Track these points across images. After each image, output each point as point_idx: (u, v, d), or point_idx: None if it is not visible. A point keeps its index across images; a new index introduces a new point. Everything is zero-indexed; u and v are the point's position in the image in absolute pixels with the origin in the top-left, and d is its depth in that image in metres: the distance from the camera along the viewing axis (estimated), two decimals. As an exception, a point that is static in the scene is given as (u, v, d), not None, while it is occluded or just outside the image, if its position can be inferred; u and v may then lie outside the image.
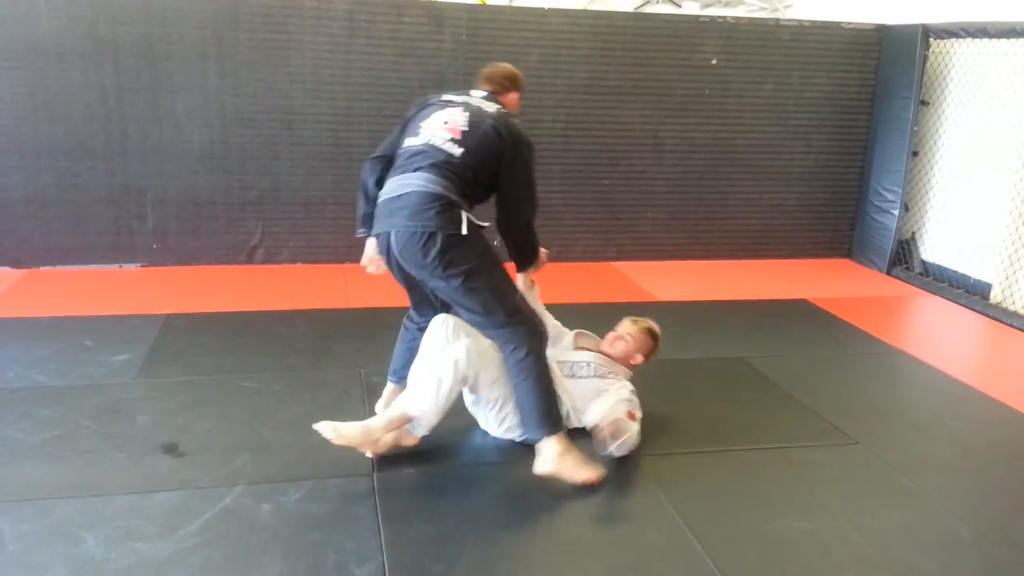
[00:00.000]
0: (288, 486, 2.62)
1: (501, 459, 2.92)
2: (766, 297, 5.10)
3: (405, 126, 2.84)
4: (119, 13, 4.75)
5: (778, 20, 5.60)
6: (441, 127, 2.70)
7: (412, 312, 3.03)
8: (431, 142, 2.67)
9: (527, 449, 2.97)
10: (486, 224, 2.71)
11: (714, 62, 5.56)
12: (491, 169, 2.70)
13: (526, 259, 3.00)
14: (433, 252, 2.56)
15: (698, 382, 3.70)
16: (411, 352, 2.93)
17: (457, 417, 3.08)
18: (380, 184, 2.76)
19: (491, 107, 2.79)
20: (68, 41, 4.74)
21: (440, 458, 2.90)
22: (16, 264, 4.98)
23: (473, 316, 2.72)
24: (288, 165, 5.18)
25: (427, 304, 2.93)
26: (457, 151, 2.65)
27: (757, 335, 4.38)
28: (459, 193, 2.62)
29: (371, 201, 2.78)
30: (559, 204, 5.61)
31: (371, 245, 2.85)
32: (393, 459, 2.86)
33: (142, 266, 5.16)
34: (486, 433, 3.05)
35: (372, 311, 4.35)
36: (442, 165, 2.63)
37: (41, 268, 5.02)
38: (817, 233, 6.11)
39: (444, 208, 2.58)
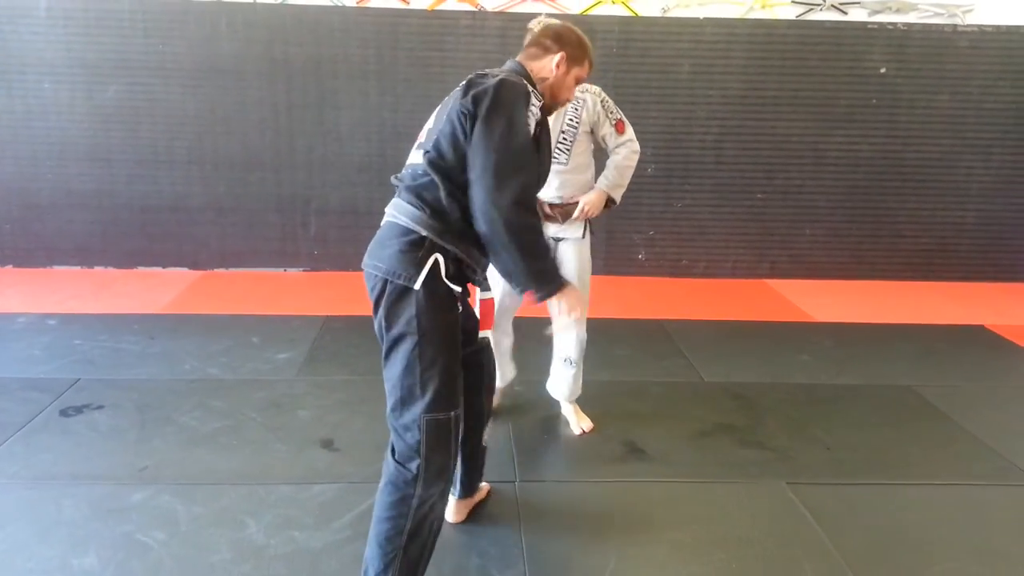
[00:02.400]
0: (434, 488, 2.67)
1: (643, 476, 2.85)
2: (938, 322, 4.72)
3: None
4: (291, 35, 5.08)
5: (956, 26, 5.20)
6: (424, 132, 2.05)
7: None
8: (410, 159, 2.04)
9: (669, 468, 2.90)
10: (458, 289, 1.97)
11: (883, 71, 5.24)
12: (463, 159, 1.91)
13: (536, 273, 1.91)
14: (380, 302, 1.94)
15: (860, 410, 3.46)
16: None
17: (602, 432, 3.04)
18: None
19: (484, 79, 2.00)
20: (246, 61, 5.12)
21: (582, 472, 2.87)
22: (194, 266, 5.42)
23: (389, 398, 1.99)
24: (440, 177, 5.33)
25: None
26: (418, 159, 1.97)
27: (927, 362, 4.05)
28: (434, 221, 1.91)
29: None
30: (707, 218, 5.46)
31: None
32: (535, 469, 2.86)
33: (304, 270, 5.48)
34: (629, 450, 2.99)
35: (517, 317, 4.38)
36: (410, 185, 1.97)
37: (216, 270, 5.42)
38: (997, 254, 5.60)
39: (408, 247, 1.91)
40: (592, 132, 2.95)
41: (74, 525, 2.43)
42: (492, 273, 2.21)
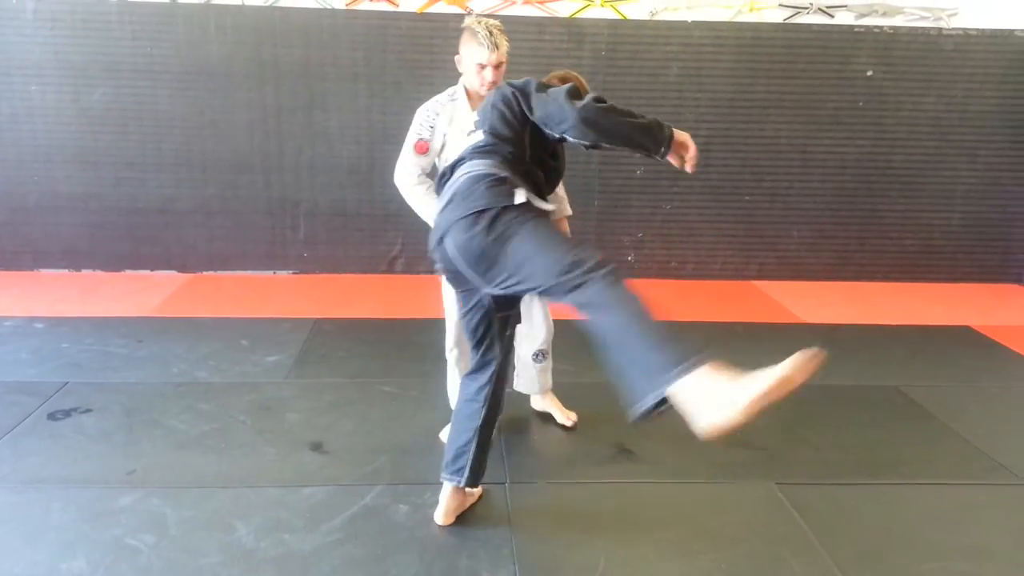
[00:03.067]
0: (424, 488, 2.67)
1: (633, 477, 2.86)
2: (924, 323, 4.75)
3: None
4: (280, 37, 5.07)
5: (941, 29, 5.24)
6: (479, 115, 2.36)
7: (477, 361, 2.42)
8: (472, 136, 2.32)
9: (659, 469, 2.91)
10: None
11: (870, 73, 5.28)
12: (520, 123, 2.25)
13: (644, 128, 2.18)
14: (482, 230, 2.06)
15: (848, 410, 3.48)
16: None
17: (592, 433, 3.05)
18: None
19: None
20: (234, 64, 5.11)
21: (572, 473, 2.87)
22: (182, 268, 5.40)
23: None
24: (430, 179, 5.34)
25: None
26: (477, 138, 2.28)
27: (914, 363, 4.08)
28: (506, 168, 2.18)
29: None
30: (696, 220, 5.48)
31: None
32: (526, 470, 2.87)
33: (294, 273, 5.46)
34: (619, 451, 3.00)
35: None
36: (477, 151, 2.24)
37: (204, 273, 5.40)
38: (983, 255, 5.65)
39: (494, 184, 2.13)
40: None
41: (62, 529, 2.42)
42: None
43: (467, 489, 2.52)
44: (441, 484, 2.50)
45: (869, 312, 4.96)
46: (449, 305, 2.94)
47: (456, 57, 2.78)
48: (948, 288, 5.53)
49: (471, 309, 2.34)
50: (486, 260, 2.06)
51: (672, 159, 2.27)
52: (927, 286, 5.56)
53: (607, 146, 2.22)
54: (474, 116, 2.39)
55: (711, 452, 3.02)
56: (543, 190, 2.34)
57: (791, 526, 2.57)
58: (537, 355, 3.13)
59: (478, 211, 2.07)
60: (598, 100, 2.14)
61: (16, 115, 5.07)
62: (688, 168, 2.28)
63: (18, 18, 4.92)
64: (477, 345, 2.39)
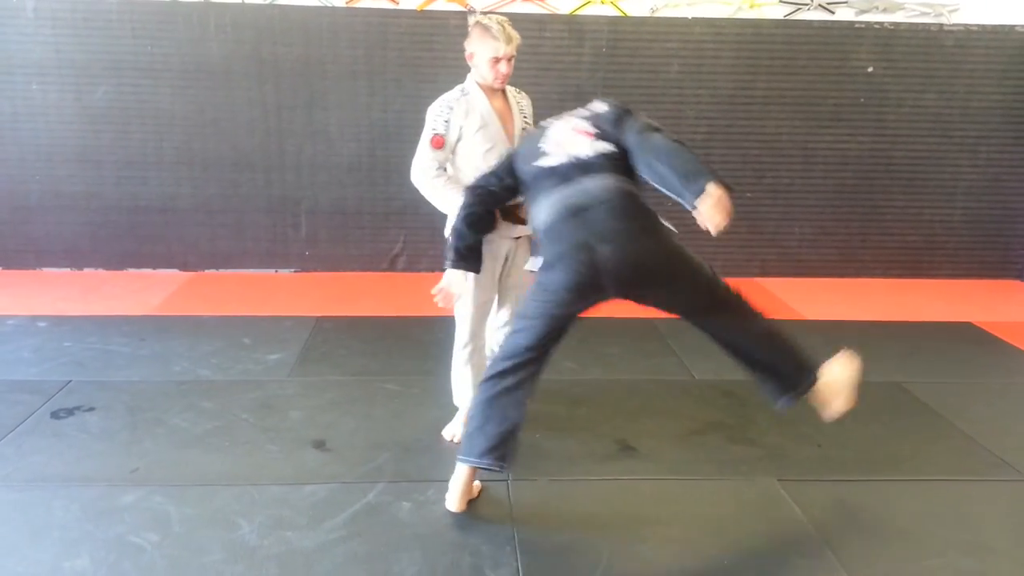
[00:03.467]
0: (427, 486, 2.68)
1: (635, 474, 2.86)
2: (925, 319, 4.76)
3: (524, 156, 2.57)
4: (280, 35, 5.07)
5: (942, 25, 5.24)
6: (570, 138, 2.48)
7: (531, 349, 2.46)
8: (577, 155, 2.43)
9: (661, 466, 2.92)
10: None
11: (870, 70, 5.27)
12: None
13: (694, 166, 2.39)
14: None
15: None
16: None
17: (594, 430, 3.06)
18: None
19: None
20: (234, 62, 5.10)
21: (574, 470, 2.88)
22: (184, 267, 5.40)
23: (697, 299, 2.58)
24: (431, 177, 5.34)
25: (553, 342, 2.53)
26: (608, 148, 2.43)
27: (915, 359, 4.09)
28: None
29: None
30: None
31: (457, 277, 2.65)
32: (528, 467, 2.87)
33: (295, 271, 5.47)
34: (621, 448, 3.01)
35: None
36: (606, 166, 2.41)
37: (206, 271, 5.41)
38: (984, 251, 5.65)
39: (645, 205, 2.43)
40: None
41: (66, 527, 2.42)
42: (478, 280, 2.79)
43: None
44: (440, 481, 2.51)
45: (871, 308, 4.96)
46: (465, 303, 2.92)
47: (467, 54, 2.81)
48: (950, 284, 5.53)
49: (571, 314, 2.46)
50: (651, 274, 2.37)
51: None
52: (929, 282, 5.56)
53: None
54: (577, 122, 2.50)
55: (713, 449, 3.04)
56: None
57: (794, 522, 2.57)
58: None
59: (652, 228, 2.34)
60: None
61: (17, 114, 5.07)
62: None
63: (19, 17, 4.92)
64: (550, 343, 2.47)
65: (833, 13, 5.23)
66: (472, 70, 2.83)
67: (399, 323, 4.39)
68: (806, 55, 5.24)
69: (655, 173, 2.33)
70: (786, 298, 5.11)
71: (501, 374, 2.45)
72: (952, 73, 5.31)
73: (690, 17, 5.18)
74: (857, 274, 5.62)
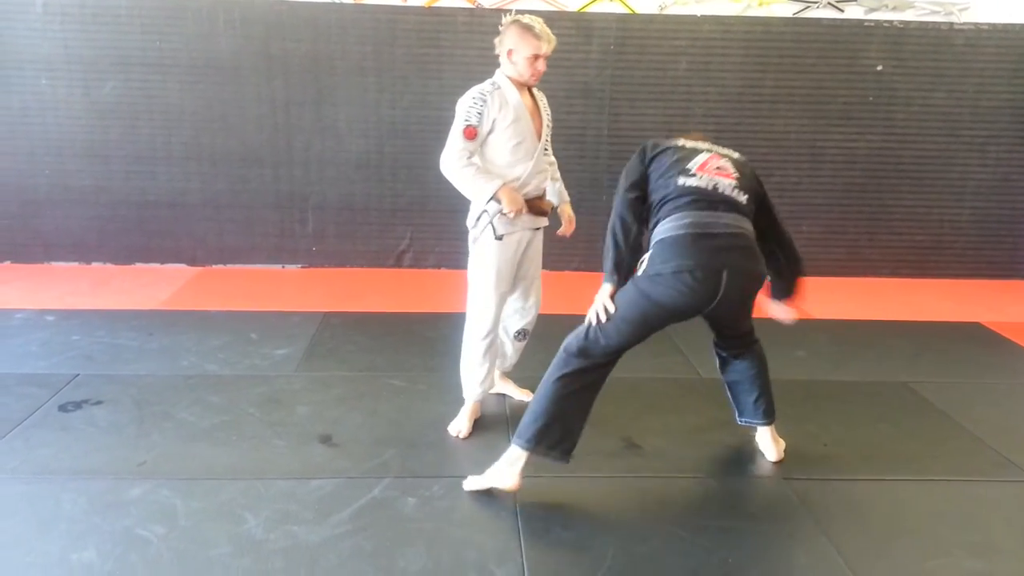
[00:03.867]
0: (432, 482, 2.68)
1: (641, 472, 2.86)
2: (933, 319, 4.74)
3: (664, 170, 2.63)
4: (289, 31, 5.08)
5: (952, 24, 5.21)
6: (717, 172, 2.58)
7: (611, 353, 2.60)
8: (718, 188, 2.54)
9: (666, 464, 2.91)
10: None
11: (879, 68, 5.25)
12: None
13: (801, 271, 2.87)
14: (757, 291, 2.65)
15: (856, 406, 3.48)
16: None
17: (600, 427, 3.06)
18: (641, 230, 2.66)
19: (735, 154, 2.75)
20: (243, 58, 5.12)
21: (580, 467, 2.87)
22: (192, 262, 5.42)
23: (748, 327, 2.87)
24: (437, 174, 5.26)
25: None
26: (743, 197, 2.57)
27: (923, 359, 4.07)
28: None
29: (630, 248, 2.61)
30: (706, 216, 5.47)
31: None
32: (533, 464, 2.86)
33: (303, 267, 5.48)
34: (626, 446, 3.01)
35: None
36: (742, 209, 2.56)
37: (214, 266, 5.43)
38: (993, 251, 5.62)
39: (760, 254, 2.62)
40: None
41: (73, 520, 2.44)
42: (500, 247, 2.92)
43: None
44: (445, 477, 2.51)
45: (879, 307, 4.95)
46: (488, 292, 2.96)
47: (505, 50, 2.85)
48: (958, 284, 5.51)
49: (657, 327, 2.56)
50: (745, 305, 2.65)
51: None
52: (937, 282, 5.54)
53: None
54: (722, 161, 2.63)
55: (719, 447, 3.04)
56: None
57: (800, 521, 2.57)
58: (520, 333, 3.23)
59: (762, 271, 2.59)
60: None
61: (27, 109, 5.10)
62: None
63: (28, 12, 4.94)
64: (625, 349, 2.59)
65: (842, 11, 5.21)
66: (503, 66, 2.88)
67: (405, 319, 4.40)
68: (815, 53, 5.23)
69: (774, 258, 2.76)
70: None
71: (578, 376, 2.56)
72: (962, 72, 5.28)
73: (699, 15, 5.17)
74: (865, 273, 5.60)
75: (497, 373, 3.34)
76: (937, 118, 5.37)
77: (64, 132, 5.15)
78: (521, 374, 3.39)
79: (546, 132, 3.01)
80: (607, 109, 5.30)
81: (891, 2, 5.18)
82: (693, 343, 4.12)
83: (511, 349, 3.30)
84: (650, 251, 2.53)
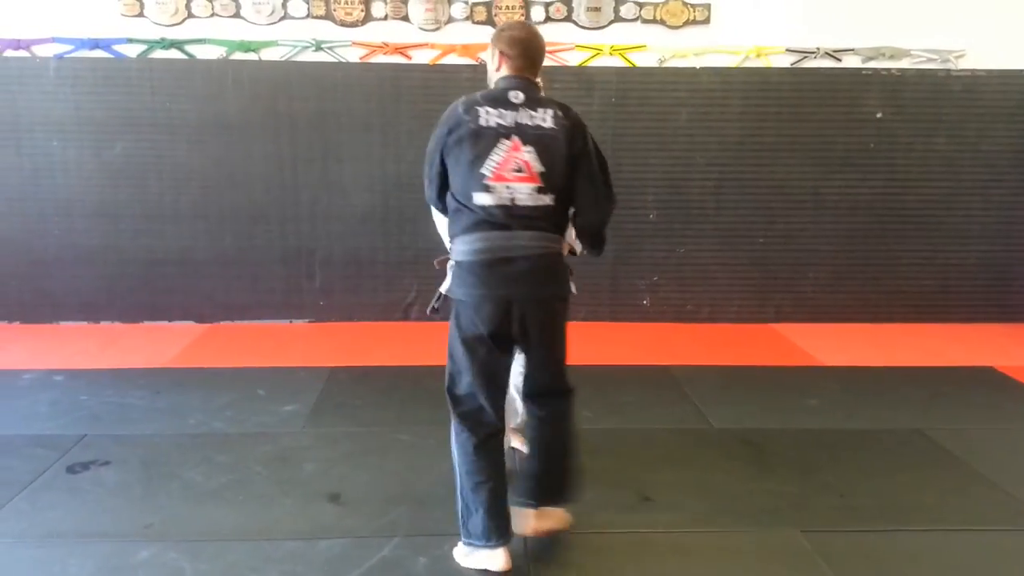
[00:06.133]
0: (443, 540, 2.63)
1: (653, 527, 2.81)
2: (945, 364, 4.70)
3: (462, 170, 2.38)
4: (296, 90, 5.17)
5: (949, 71, 5.29)
6: (516, 176, 2.33)
7: (489, 414, 2.48)
8: (516, 200, 2.33)
9: (682, 517, 2.87)
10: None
11: (879, 115, 5.31)
12: (570, 187, 2.42)
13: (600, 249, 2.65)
14: (560, 318, 2.47)
15: (869, 455, 3.43)
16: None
17: (613, 481, 3.02)
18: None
19: (547, 117, 2.36)
20: (251, 116, 5.20)
21: (592, 522, 2.83)
22: (199, 319, 5.43)
23: (556, 372, 2.56)
24: (444, 226, 5.39)
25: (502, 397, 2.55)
26: (548, 199, 2.35)
27: (936, 405, 4.03)
28: (562, 240, 2.45)
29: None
30: (711, 263, 5.48)
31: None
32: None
33: (310, 321, 5.48)
34: (640, 500, 2.97)
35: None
36: (541, 221, 2.36)
37: (221, 323, 5.43)
38: (1001, 294, 5.60)
39: (564, 268, 2.46)
40: None
41: (79, 585, 2.40)
42: None
43: None
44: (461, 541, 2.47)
45: (889, 354, 4.91)
46: None
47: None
48: (967, 328, 5.48)
49: (485, 360, 2.46)
50: (547, 339, 2.45)
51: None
52: (946, 327, 5.50)
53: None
54: (520, 148, 2.33)
55: (733, 499, 2.99)
56: None
57: (818, 574, 2.51)
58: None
59: (561, 297, 2.45)
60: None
61: (38, 170, 5.17)
62: None
63: (41, 76, 5.05)
64: (485, 394, 2.48)
65: (840, 60, 5.29)
66: None
67: (413, 373, 4.38)
68: (814, 102, 5.29)
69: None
70: (802, 344, 5.07)
71: (467, 438, 2.49)
72: (961, 117, 5.34)
73: (697, 67, 5.25)
74: (873, 319, 5.58)
75: (510, 428, 3.30)
76: (939, 163, 5.40)
77: (74, 192, 5.21)
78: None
79: None
80: (610, 160, 5.29)
81: (887, 51, 5.26)
82: (703, 393, 4.09)
83: (522, 407, 3.23)
84: (451, 268, 2.47)
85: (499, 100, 2.37)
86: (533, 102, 2.37)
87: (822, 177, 5.40)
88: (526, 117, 2.34)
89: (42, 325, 5.34)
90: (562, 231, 2.45)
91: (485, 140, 2.33)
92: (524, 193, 2.33)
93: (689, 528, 2.79)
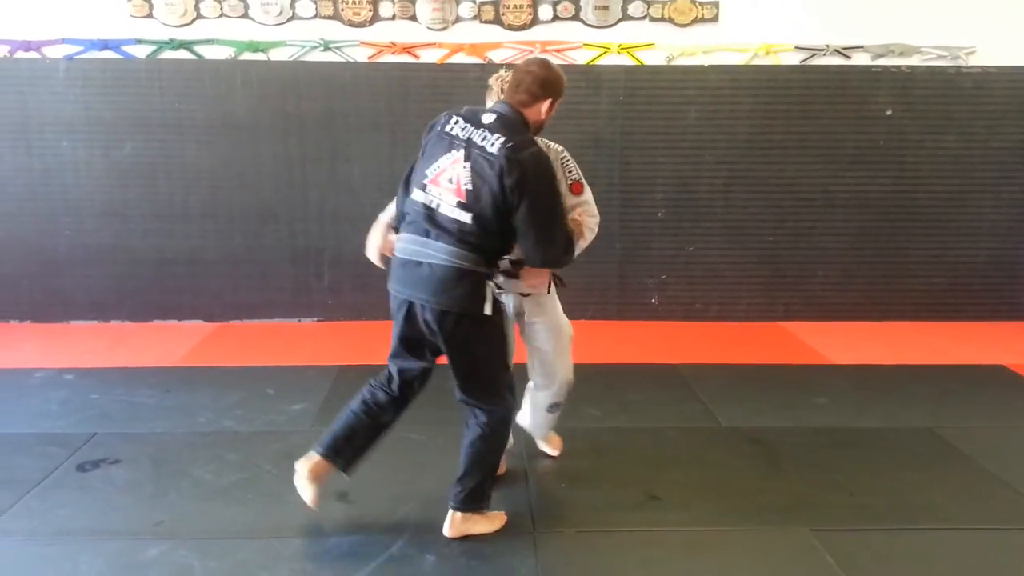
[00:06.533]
0: (451, 539, 2.64)
1: (662, 525, 2.81)
2: (955, 362, 4.68)
3: (421, 158, 2.59)
4: (304, 90, 5.19)
5: (959, 68, 5.26)
6: (447, 186, 2.42)
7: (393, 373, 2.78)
8: (439, 207, 2.43)
9: (689, 516, 2.86)
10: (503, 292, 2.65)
11: (889, 113, 5.29)
12: (505, 221, 2.42)
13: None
14: (459, 332, 2.48)
15: (880, 453, 3.41)
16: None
17: (621, 480, 3.01)
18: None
19: (496, 143, 2.37)
20: (259, 117, 5.22)
21: (601, 521, 2.83)
22: (209, 318, 5.45)
23: (464, 386, 2.63)
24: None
25: (416, 364, 2.74)
26: (466, 217, 2.39)
27: (946, 403, 4.01)
28: (483, 260, 2.44)
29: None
30: (719, 261, 5.47)
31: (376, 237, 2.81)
32: (553, 519, 2.83)
33: (318, 320, 5.50)
34: (648, 499, 2.96)
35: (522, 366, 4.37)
36: (457, 234, 2.40)
37: (230, 322, 5.45)
38: (1012, 292, 5.57)
39: (472, 285, 2.43)
40: None
41: (90, 583, 2.41)
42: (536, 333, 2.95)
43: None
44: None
45: (898, 352, 4.89)
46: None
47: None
48: (977, 326, 5.45)
49: (410, 345, 2.72)
50: (456, 350, 2.53)
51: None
52: (957, 325, 5.47)
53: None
54: (460, 162, 2.42)
55: (742, 498, 2.99)
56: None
57: (827, 573, 2.50)
58: (550, 406, 3.09)
59: (468, 314, 2.44)
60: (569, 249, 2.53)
61: (48, 170, 5.20)
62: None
63: (51, 77, 5.08)
64: (399, 364, 2.80)
65: (849, 58, 5.27)
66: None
67: (421, 372, 4.38)
68: (824, 99, 5.27)
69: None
70: (811, 342, 5.05)
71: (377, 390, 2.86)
72: (972, 114, 5.31)
73: (706, 65, 5.24)
74: (883, 317, 5.55)
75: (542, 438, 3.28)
76: (949, 160, 5.37)
77: (84, 192, 5.25)
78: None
79: None
80: (618, 159, 5.34)
81: (897, 48, 5.24)
82: (712, 391, 4.09)
83: (543, 419, 3.17)
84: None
85: (474, 115, 2.49)
86: (498, 126, 2.41)
87: (832, 175, 5.38)
88: (480, 137, 2.41)
89: (53, 324, 5.37)
90: (485, 253, 2.44)
91: (442, 145, 2.48)
92: (447, 204, 2.42)
93: (697, 527, 2.79)
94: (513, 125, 2.44)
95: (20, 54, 5.08)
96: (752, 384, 4.25)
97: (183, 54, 5.13)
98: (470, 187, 2.38)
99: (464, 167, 2.39)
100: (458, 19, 5.19)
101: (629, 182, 5.36)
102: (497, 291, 2.55)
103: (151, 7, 5.05)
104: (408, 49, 5.19)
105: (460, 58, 5.21)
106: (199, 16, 5.10)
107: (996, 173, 5.39)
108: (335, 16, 5.14)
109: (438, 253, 2.42)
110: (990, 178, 5.40)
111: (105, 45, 5.08)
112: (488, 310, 2.44)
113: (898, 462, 3.33)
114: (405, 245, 2.53)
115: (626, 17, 5.21)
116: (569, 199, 2.75)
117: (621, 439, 3.50)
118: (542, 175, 2.39)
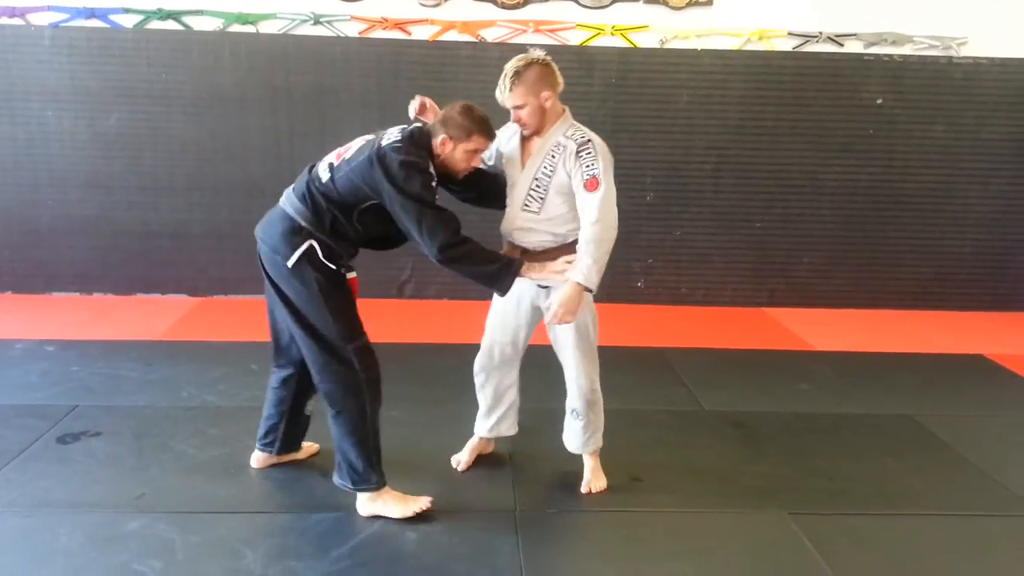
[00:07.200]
0: (433, 516, 2.65)
1: (644, 506, 2.83)
2: (937, 351, 4.72)
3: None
4: (293, 63, 5.13)
5: (951, 58, 5.26)
6: (335, 152, 2.65)
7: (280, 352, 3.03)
8: (316, 166, 2.65)
9: (666, 499, 2.88)
10: (337, 267, 2.63)
11: (879, 102, 5.29)
12: (365, 202, 2.52)
13: (486, 283, 2.61)
14: (273, 270, 2.62)
15: (860, 439, 3.45)
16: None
17: (603, 462, 3.02)
18: None
19: (389, 139, 2.52)
20: (247, 90, 5.16)
21: (583, 501, 2.85)
22: (193, 292, 5.41)
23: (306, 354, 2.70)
24: (440, 205, 5.36)
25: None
26: (326, 176, 2.56)
27: (927, 392, 4.05)
28: (312, 221, 2.54)
29: None
30: (706, 246, 5.48)
31: None
32: (535, 498, 2.84)
33: (303, 298, 5.46)
34: (630, 480, 2.98)
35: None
36: (306, 188, 2.58)
37: (215, 296, 5.42)
38: (995, 283, 5.61)
39: (289, 233, 2.55)
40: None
41: (70, 554, 2.40)
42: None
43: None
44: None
45: (881, 340, 4.93)
46: (488, 325, 2.96)
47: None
48: (961, 316, 5.49)
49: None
50: (271, 287, 2.68)
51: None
52: (939, 314, 5.52)
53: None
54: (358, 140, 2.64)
55: (723, 481, 3.01)
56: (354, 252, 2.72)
57: (805, 557, 2.53)
58: (573, 412, 2.93)
59: (280, 253, 2.53)
60: (457, 242, 2.50)
61: (32, 139, 5.13)
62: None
63: (36, 45, 4.99)
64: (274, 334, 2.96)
65: (842, 45, 5.26)
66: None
67: (407, 350, 4.38)
68: (815, 86, 5.27)
69: None
70: (795, 328, 5.08)
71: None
72: (962, 105, 5.32)
73: (699, 49, 5.21)
74: (867, 305, 5.59)
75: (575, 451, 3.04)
76: (938, 151, 5.39)
77: (68, 163, 5.18)
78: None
79: (531, 184, 2.69)
80: (609, 141, 5.20)
81: (890, 37, 5.23)
82: (696, 375, 4.10)
83: (568, 428, 2.98)
84: None
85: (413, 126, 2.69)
86: (405, 132, 2.57)
87: (821, 162, 5.39)
88: (389, 132, 2.59)
89: (34, 295, 5.32)
90: (322, 217, 2.53)
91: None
92: (323, 164, 2.62)
93: (678, 508, 2.81)
94: (415, 138, 2.55)
95: (4, 20, 4.99)
96: (736, 369, 4.27)
97: (171, 24, 5.05)
98: (347, 157, 2.56)
99: (360, 142, 2.61)
100: (451, -5, 5.14)
101: (619, 165, 5.21)
102: (335, 260, 2.60)
103: (138, -25, 4.97)
104: (400, 25, 5.13)
105: (452, 35, 5.16)
106: (187, -14, 5.02)
107: (984, 164, 5.42)
108: (326, -11, 5.07)
109: (283, 200, 2.66)
110: (978, 169, 5.43)
111: (92, 13, 4.99)
112: (292, 262, 2.51)
113: (878, 448, 3.36)
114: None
115: (620, -2, 5.18)
116: (582, 195, 2.66)
117: (605, 421, 3.51)
118: (407, 171, 2.45)
